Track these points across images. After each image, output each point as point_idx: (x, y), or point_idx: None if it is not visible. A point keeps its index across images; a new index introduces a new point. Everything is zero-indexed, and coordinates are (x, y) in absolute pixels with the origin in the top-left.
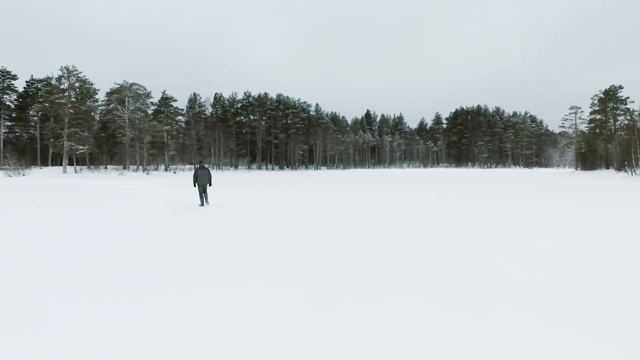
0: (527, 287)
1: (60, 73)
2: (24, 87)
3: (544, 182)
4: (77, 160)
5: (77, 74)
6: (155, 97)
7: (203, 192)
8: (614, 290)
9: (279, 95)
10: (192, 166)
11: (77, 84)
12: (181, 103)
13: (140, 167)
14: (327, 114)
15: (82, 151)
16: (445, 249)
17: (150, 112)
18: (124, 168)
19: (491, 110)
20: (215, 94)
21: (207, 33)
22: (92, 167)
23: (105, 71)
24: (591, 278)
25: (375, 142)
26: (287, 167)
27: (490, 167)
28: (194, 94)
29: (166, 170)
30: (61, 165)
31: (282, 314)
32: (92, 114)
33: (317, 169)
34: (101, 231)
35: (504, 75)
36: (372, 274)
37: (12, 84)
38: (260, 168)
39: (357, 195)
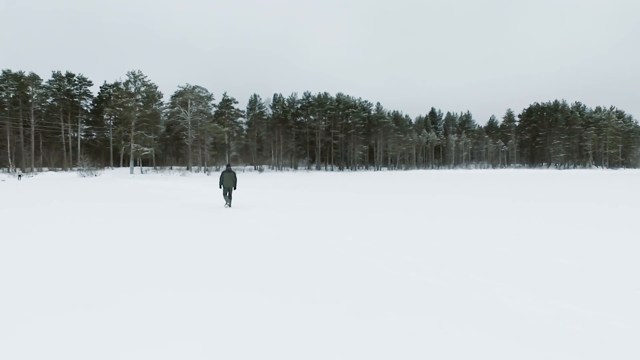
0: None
1: (127, 78)
2: (98, 93)
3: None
4: (144, 161)
5: (142, 78)
6: (218, 99)
7: (226, 194)
8: None
9: (339, 95)
10: (253, 167)
11: (142, 88)
12: (244, 104)
13: (202, 168)
14: (388, 113)
15: (146, 153)
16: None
17: (212, 113)
18: (187, 169)
19: (570, 106)
20: (275, 94)
21: (275, 34)
22: (158, 168)
23: (179, 76)
24: None
25: (440, 141)
26: (347, 167)
27: (568, 167)
28: (254, 95)
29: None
30: (137, 166)
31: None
32: (157, 117)
33: (378, 169)
34: (108, 228)
35: (586, 67)
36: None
37: (88, 90)
38: (319, 169)
39: (404, 198)
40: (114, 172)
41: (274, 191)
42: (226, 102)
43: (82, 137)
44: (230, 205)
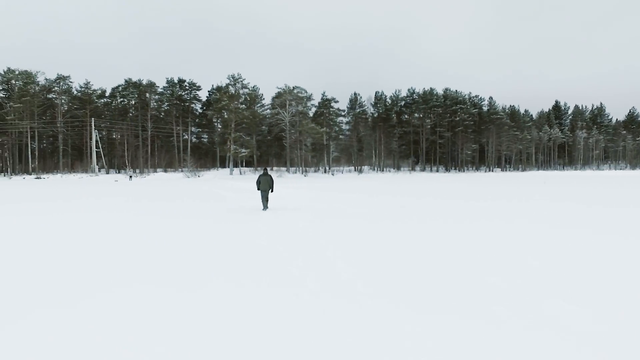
0: None
1: (228, 81)
2: (206, 96)
3: None
4: (247, 162)
5: (242, 80)
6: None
7: (264, 197)
8: None
9: (446, 90)
10: (352, 168)
11: (242, 91)
12: (344, 104)
13: (300, 169)
14: (503, 108)
15: (243, 154)
16: None
17: (311, 114)
18: (287, 170)
19: None
20: (376, 92)
21: (386, 28)
22: (257, 169)
23: (292, 77)
24: None
25: (565, 138)
26: (454, 168)
27: None
28: (354, 94)
29: (326, 172)
30: (236, 167)
31: None
32: (257, 118)
33: (489, 170)
34: (129, 223)
35: None
36: None
37: (197, 95)
38: (424, 170)
39: (492, 205)
40: (215, 174)
41: (344, 195)
42: (325, 102)
43: (193, 140)
44: (267, 207)
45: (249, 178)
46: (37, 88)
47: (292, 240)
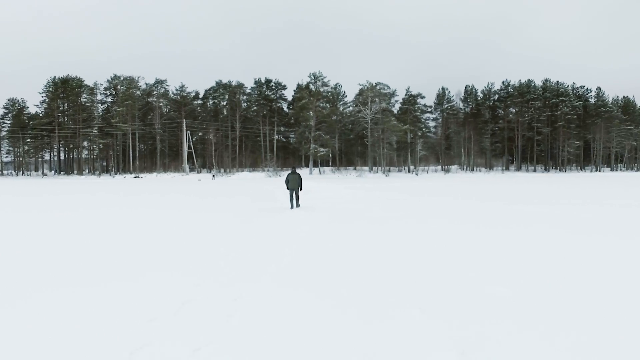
0: None
1: (308, 80)
2: (292, 96)
3: None
4: (328, 162)
5: (322, 78)
6: (430, 97)
7: (292, 196)
8: None
9: (545, 82)
10: (439, 167)
11: (322, 89)
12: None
13: (382, 168)
14: (614, 100)
15: (322, 153)
16: None
17: (394, 111)
18: (369, 170)
19: None
20: (466, 86)
21: (490, 17)
22: (336, 168)
23: (389, 73)
24: None
25: None
26: (554, 167)
27: None
28: (442, 89)
29: (409, 171)
30: (316, 167)
31: None
32: (337, 116)
33: (596, 169)
34: (159, 217)
35: None
36: None
37: (283, 94)
38: (519, 169)
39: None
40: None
41: (397, 197)
42: (410, 98)
43: (279, 139)
44: (298, 205)
45: (325, 178)
46: (138, 92)
47: (287, 243)
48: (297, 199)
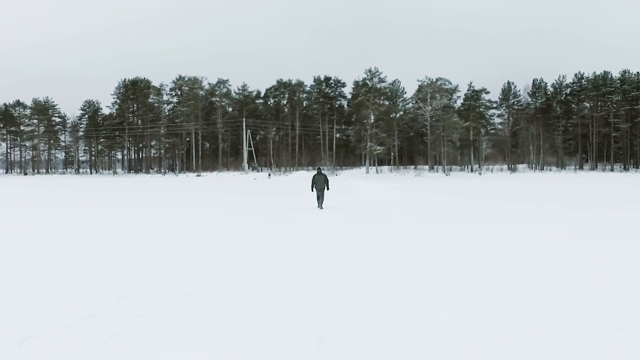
0: None
1: (365, 76)
2: (350, 93)
3: None
4: (390, 161)
5: (379, 74)
6: (495, 92)
7: (320, 196)
8: None
9: (623, 73)
10: (505, 166)
11: (379, 85)
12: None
13: (442, 167)
14: None
15: (378, 151)
16: None
17: (456, 107)
18: (430, 169)
19: None
20: (534, 80)
21: (567, 6)
22: (394, 167)
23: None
24: None
25: None
26: (634, 166)
27: None
28: (508, 83)
29: (472, 171)
30: (372, 165)
31: None
32: (395, 114)
33: None
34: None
35: None
36: None
37: (342, 91)
38: (594, 168)
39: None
40: (352, 172)
41: (435, 199)
42: (474, 94)
43: (340, 137)
44: (321, 207)
45: (380, 177)
46: (201, 92)
47: (282, 240)
48: (322, 199)
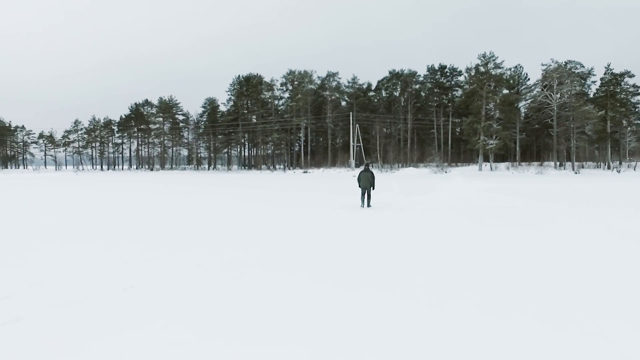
0: None
1: (478, 61)
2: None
3: None
4: (502, 157)
5: (494, 59)
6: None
7: (364, 194)
8: None
9: None
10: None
11: (495, 71)
12: None
13: (568, 164)
14: None
15: (491, 146)
16: None
17: (591, 94)
18: (560, 165)
19: None
20: None
21: None
22: (518, 163)
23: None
24: None
25: None
26: None
27: None
28: None
29: (609, 168)
30: (488, 162)
31: None
32: (512, 104)
33: None
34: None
35: None
36: None
37: (458, 81)
38: None
39: None
40: (464, 170)
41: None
42: (613, 78)
43: (455, 131)
44: (369, 205)
45: (490, 176)
46: (311, 87)
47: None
48: (369, 198)
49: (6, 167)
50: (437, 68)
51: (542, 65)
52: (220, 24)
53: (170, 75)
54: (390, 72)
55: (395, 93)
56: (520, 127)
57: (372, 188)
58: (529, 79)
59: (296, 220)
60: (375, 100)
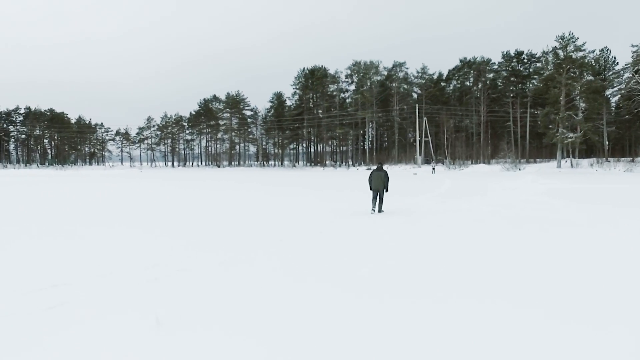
0: None
1: (556, 44)
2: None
3: None
4: (589, 151)
5: (574, 41)
6: None
7: (376, 197)
8: None
9: None
10: None
11: (576, 54)
12: None
13: None
14: None
15: (571, 139)
16: None
17: None
18: None
19: None
20: None
21: None
22: (606, 159)
23: None
24: None
25: None
26: None
27: None
28: None
29: None
30: (566, 158)
31: None
32: (598, 91)
33: None
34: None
35: None
36: None
37: (537, 67)
38: None
39: None
40: (540, 167)
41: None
42: None
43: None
44: (380, 210)
45: (571, 174)
46: (376, 78)
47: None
48: (381, 202)
49: (90, 164)
50: (513, 55)
51: (633, 47)
52: (295, 20)
53: (242, 72)
54: (461, 61)
55: (467, 83)
56: (609, 118)
57: (385, 190)
58: (617, 63)
59: (278, 227)
60: (449, 90)
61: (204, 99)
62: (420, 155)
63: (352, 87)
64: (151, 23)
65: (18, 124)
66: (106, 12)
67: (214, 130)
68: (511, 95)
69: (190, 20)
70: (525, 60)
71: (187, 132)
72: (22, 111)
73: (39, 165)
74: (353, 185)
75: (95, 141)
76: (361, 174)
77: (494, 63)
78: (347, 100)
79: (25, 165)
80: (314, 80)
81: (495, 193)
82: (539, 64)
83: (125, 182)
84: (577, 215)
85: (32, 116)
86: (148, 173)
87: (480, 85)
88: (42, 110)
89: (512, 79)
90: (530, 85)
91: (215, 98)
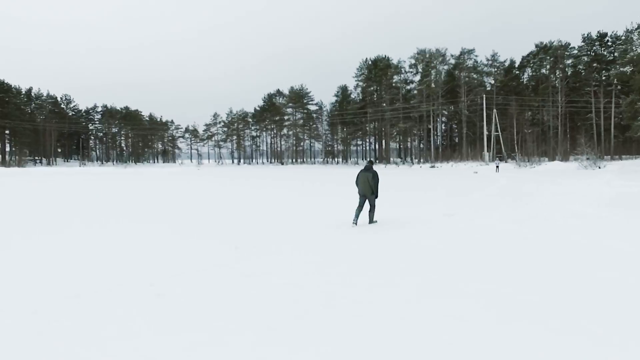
0: None
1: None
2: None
3: None
4: None
5: None
6: None
7: (362, 205)
8: None
9: None
10: None
11: None
12: None
13: None
14: None
15: None
16: None
17: None
18: None
19: None
20: None
21: None
22: None
23: None
24: None
25: None
26: None
27: None
28: None
29: None
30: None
31: None
32: None
33: None
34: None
35: None
36: None
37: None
38: None
39: None
40: (623, 164)
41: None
42: None
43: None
44: (371, 221)
45: None
46: (442, 67)
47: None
48: (371, 210)
49: (164, 162)
50: (595, 37)
51: None
52: (368, 14)
53: (314, 68)
54: (537, 46)
55: (543, 71)
56: None
57: (373, 195)
58: None
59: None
60: (523, 80)
61: (268, 94)
62: (489, 151)
63: (417, 78)
64: (225, 23)
65: (96, 122)
66: (188, 12)
67: (278, 126)
68: (593, 83)
69: (270, 18)
70: (610, 44)
71: (253, 128)
72: (99, 109)
73: (114, 162)
74: (402, 186)
75: (166, 139)
76: (425, 172)
77: (573, 48)
78: (414, 92)
79: (102, 163)
80: (377, 70)
81: (539, 200)
82: (624, 46)
83: (172, 181)
84: (631, 243)
85: (108, 114)
86: (205, 171)
87: (558, 73)
88: (118, 108)
89: (594, 64)
90: (615, 71)
91: (279, 92)
